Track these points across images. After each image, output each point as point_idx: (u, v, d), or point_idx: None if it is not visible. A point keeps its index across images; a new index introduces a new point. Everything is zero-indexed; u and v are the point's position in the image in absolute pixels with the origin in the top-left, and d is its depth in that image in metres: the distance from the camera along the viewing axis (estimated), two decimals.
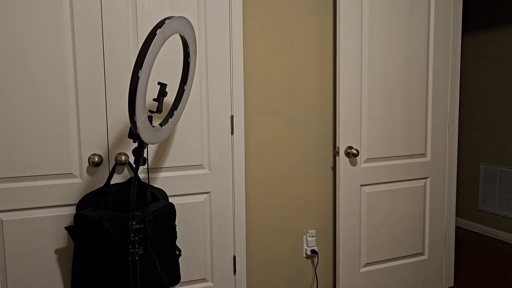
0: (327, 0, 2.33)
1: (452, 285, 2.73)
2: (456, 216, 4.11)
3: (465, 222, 4.01)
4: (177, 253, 1.90)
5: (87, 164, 1.88)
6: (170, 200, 2.05)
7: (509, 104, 3.58)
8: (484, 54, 3.76)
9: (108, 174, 1.91)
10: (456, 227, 4.05)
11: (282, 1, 2.23)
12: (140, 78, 1.32)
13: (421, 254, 2.58)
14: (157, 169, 2.01)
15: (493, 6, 3.66)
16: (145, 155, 1.94)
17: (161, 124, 1.61)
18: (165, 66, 1.98)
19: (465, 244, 3.60)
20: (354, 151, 2.25)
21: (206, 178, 2.11)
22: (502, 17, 3.60)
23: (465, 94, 3.96)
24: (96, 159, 1.85)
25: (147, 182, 1.95)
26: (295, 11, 2.26)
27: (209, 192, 2.13)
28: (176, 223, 2.06)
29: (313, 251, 2.41)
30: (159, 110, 1.52)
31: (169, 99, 2.00)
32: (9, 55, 1.73)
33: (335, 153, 2.43)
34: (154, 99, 1.49)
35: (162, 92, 1.50)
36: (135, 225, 1.49)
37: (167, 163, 2.02)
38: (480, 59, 3.80)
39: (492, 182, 3.74)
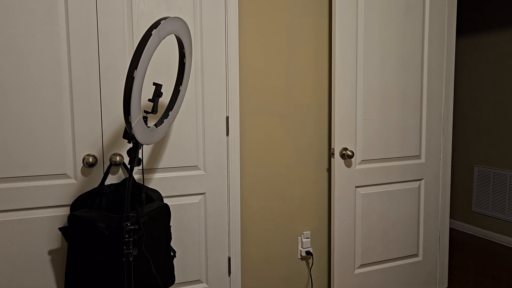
0: (322, 2, 2.34)
1: (446, 286, 2.74)
2: (450, 217, 4.13)
3: (459, 223, 4.03)
4: (172, 254, 1.89)
5: (82, 164, 1.87)
6: (165, 201, 2.04)
7: (503, 106, 3.61)
8: (479, 57, 3.78)
9: (102, 175, 1.90)
10: (450, 228, 4.07)
11: (277, 2, 2.23)
12: (135, 78, 1.32)
13: (416, 255, 2.59)
14: (152, 170, 2.00)
15: (488, 9, 3.69)
16: (140, 156, 1.93)
17: (156, 125, 1.61)
18: (160, 67, 1.98)
19: (459, 246, 3.62)
20: (349, 153, 2.26)
21: (201, 179, 2.10)
22: (496, 20, 3.63)
23: (459, 96, 3.98)
24: (91, 159, 1.84)
25: (142, 183, 1.94)
26: (291, 12, 2.27)
27: (204, 193, 2.12)
28: (171, 224, 2.05)
29: (308, 253, 2.41)
30: (154, 110, 1.52)
31: (165, 99, 1.99)
32: (2, 54, 1.71)
33: (330, 154, 2.43)
34: (149, 100, 1.48)
35: (158, 93, 1.50)
36: (129, 226, 1.48)
37: (162, 164, 2.02)
38: (474, 62, 3.83)
39: (485, 184, 3.77)
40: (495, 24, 3.63)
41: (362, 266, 2.44)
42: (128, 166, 1.90)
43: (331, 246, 2.36)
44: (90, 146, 1.88)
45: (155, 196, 1.88)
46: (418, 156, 2.53)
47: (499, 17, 3.60)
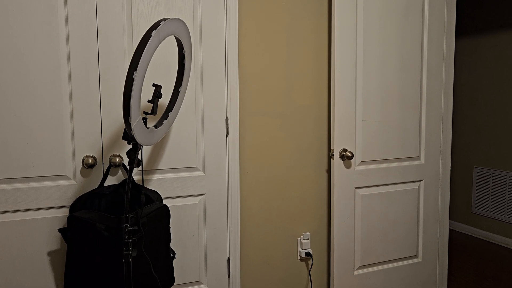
0: (322, 3, 2.34)
1: (445, 287, 2.74)
2: (450, 219, 4.13)
3: (458, 225, 4.03)
4: (171, 255, 1.89)
5: (81, 165, 1.87)
6: (165, 202, 2.04)
7: (502, 107, 3.61)
8: (478, 57, 3.79)
9: (102, 176, 1.90)
10: (450, 230, 4.07)
11: (277, 4, 2.23)
12: (135, 79, 1.32)
13: (415, 256, 2.59)
14: (151, 171, 2.00)
15: (487, 10, 3.70)
16: (139, 157, 1.93)
17: (155, 126, 1.61)
18: (160, 68, 1.98)
19: (459, 247, 3.62)
20: (349, 154, 2.26)
21: (200, 180, 2.10)
22: (496, 21, 3.64)
23: (459, 97, 3.98)
24: (90, 160, 1.84)
25: (141, 184, 1.94)
26: (290, 13, 2.27)
27: (203, 194, 2.12)
28: (170, 225, 2.05)
29: (307, 254, 2.41)
30: (153, 111, 1.52)
31: (164, 100, 1.99)
32: (2, 54, 1.71)
33: (330, 155, 2.43)
34: (149, 101, 1.48)
35: (157, 94, 1.50)
36: (129, 227, 1.48)
37: (162, 165, 2.02)
38: (474, 62, 3.83)
39: (485, 185, 3.77)
40: (495, 25, 3.64)
41: (361, 267, 2.44)
42: (128, 167, 1.90)
43: (331, 247, 2.36)
44: (90, 147, 1.87)
45: (154, 197, 1.88)
46: (417, 157, 2.53)
47: (499, 18, 3.61)
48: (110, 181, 1.92)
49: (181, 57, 1.69)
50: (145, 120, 1.50)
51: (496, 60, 3.63)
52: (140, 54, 1.32)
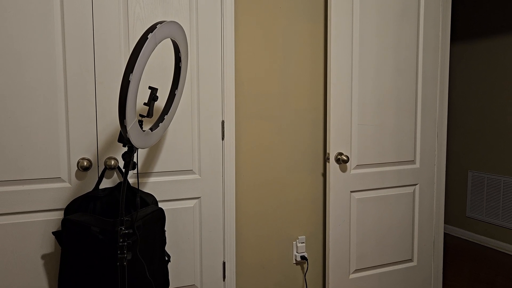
0: (318, 7, 2.35)
1: None
2: (445, 223, 4.14)
3: (453, 229, 4.04)
4: (166, 258, 1.88)
5: (76, 168, 1.86)
6: (160, 205, 2.04)
7: (497, 112, 3.63)
8: (473, 62, 3.81)
9: (97, 179, 1.90)
10: (445, 233, 4.08)
11: (274, 8, 2.24)
12: (131, 82, 1.32)
13: (410, 260, 2.60)
14: (147, 174, 2.00)
15: (482, 15, 3.73)
16: (135, 160, 1.93)
17: (151, 129, 1.61)
18: (156, 70, 1.98)
19: (453, 251, 3.63)
20: (344, 158, 2.26)
21: (196, 184, 2.10)
22: (490, 26, 3.67)
23: (454, 102, 4.01)
24: (85, 163, 1.83)
25: (137, 187, 1.93)
26: (287, 17, 2.28)
27: (199, 197, 2.12)
28: (165, 228, 2.04)
29: (303, 257, 2.41)
30: (149, 114, 1.52)
31: (160, 103, 1.99)
32: None
33: (326, 159, 2.44)
34: (144, 104, 1.48)
35: (153, 97, 1.50)
36: (124, 230, 1.47)
37: (157, 168, 2.01)
38: (468, 67, 3.86)
39: (479, 189, 3.79)
40: (489, 30, 3.67)
41: (357, 271, 2.44)
42: (123, 170, 1.89)
43: (326, 251, 2.36)
44: (85, 150, 1.87)
45: (150, 200, 1.88)
46: (412, 161, 2.54)
47: (493, 23, 3.64)
48: (105, 184, 1.91)
49: (177, 60, 1.69)
50: (141, 123, 1.50)
51: (490, 65, 3.66)
52: (136, 57, 1.32)
